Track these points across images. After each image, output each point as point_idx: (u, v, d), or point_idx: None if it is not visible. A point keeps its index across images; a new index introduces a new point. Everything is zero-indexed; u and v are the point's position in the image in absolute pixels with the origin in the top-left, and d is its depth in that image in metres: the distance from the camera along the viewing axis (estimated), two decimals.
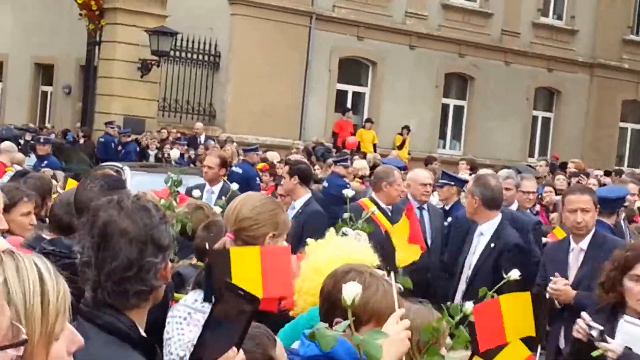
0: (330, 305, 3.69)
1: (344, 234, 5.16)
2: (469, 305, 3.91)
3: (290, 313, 4.27)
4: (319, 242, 4.65)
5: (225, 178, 13.74)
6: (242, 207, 4.54)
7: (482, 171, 11.66)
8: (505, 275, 4.34)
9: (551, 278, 7.45)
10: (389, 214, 9.39)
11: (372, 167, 18.29)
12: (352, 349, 3.40)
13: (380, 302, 3.62)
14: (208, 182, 10.93)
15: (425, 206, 10.26)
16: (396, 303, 3.46)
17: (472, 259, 8.44)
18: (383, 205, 9.46)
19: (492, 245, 8.30)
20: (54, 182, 10.00)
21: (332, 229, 5.14)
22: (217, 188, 10.84)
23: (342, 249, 4.42)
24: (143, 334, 3.08)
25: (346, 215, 6.53)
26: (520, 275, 4.24)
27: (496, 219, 8.41)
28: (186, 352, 4.00)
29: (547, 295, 7.48)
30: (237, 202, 4.62)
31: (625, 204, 9.76)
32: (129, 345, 2.99)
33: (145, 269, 3.04)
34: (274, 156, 20.06)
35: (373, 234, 8.32)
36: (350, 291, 2.58)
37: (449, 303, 3.99)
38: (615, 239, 8.46)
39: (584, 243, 7.57)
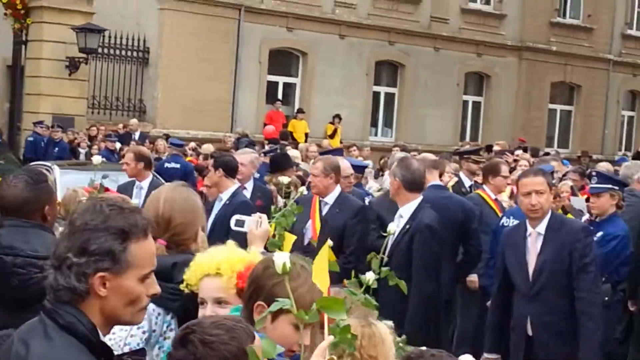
0: (256, 288, 3.71)
1: (237, 220, 5.07)
2: (369, 275, 3.97)
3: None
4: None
5: (158, 173, 13.74)
6: (170, 213, 4.49)
7: (402, 154, 11.74)
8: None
9: None
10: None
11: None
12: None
13: (305, 297, 3.57)
14: (133, 178, 11.04)
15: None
16: (326, 332, 3.45)
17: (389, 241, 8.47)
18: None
19: (407, 226, 8.25)
20: None
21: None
22: (145, 183, 10.90)
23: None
24: (103, 339, 3.05)
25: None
26: (376, 279, 4.18)
27: (415, 201, 8.33)
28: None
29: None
30: (161, 206, 4.53)
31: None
32: (87, 350, 2.97)
33: (66, 264, 3.01)
34: (208, 149, 20.11)
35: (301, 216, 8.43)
36: (280, 260, 2.55)
37: (346, 281, 4.05)
38: (573, 220, 8.46)
39: (541, 227, 7.43)
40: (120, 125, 25.72)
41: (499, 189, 10.73)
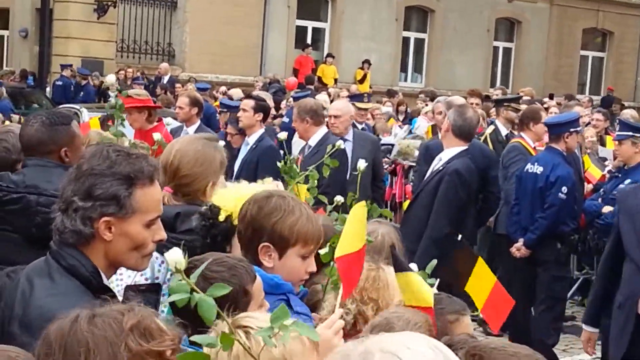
0: (256, 229, 3.69)
1: None
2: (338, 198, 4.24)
3: None
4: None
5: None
6: (179, 163, 4.50)
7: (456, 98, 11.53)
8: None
9: None
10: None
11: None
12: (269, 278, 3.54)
13: (306, 226, 3.65)
14: (183, 122, 10.96)
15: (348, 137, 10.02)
16: (338, 303, 3.50)
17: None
18: None
19: (441, 169, 8.37)
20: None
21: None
22: (192, 129, 10.77)
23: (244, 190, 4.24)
24: (106, 282, 3.08)
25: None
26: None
27: (459, 147, 8.43)
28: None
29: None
30: (172, 156, 4.56)
31: (577, 129, 9.79)
32: (88, 291, 2.99)
33: (72, 207, 3.04)
34: (236, 93, 20.03)
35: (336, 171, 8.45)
36: (173, 256, 2.50)
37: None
38: None
39: None
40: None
41: (539, 137, 10.52)
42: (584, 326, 7.03)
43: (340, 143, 6.50)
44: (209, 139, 4.76)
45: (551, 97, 23.23)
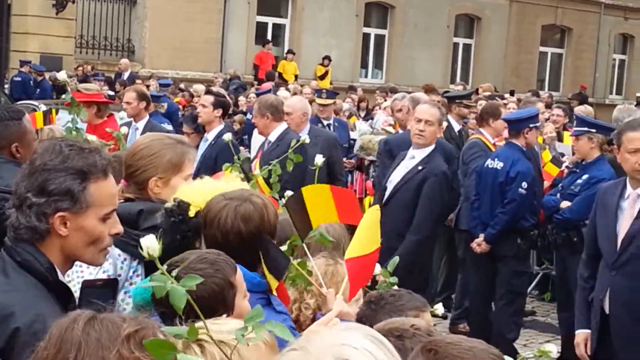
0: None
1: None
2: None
3: None
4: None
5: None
6: (127, 153, 4.58)
7: (416, 94, 11.67)
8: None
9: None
10: None
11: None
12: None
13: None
14: (131, 118, 10.87)
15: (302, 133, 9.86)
16: (337, 301, 3.54)
17: (395, 177, 8.55)
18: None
19: (420, 168, 8.42)
20: None
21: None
22: (141, 124, 10.69)
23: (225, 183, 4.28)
24: (61, 278, 3.08)
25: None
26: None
27: (431, 147, 8.55)
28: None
29: None
30: (131, 147, 4.66)
31: (537, 124, 9.86)
32: (44, 287, 2.99)
33: (26, 204, 3.02)
34: (199, 89, 19.97)
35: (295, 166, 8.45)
36: (148, 242, 2.51)
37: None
38: None
39: None
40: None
41: (498, 133, 10.60)
42: (577, 331, 6.91)
43: (305, 138, 6.51)
44: (178, 140, 4.72)
45: (512, 93, 23.32)
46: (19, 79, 23.35)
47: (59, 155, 3.04)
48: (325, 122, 12.45)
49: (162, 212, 4.02)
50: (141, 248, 2.28)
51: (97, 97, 9.90)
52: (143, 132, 9.88)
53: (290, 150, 5.37)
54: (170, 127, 11.95)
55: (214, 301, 3.11)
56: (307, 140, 6.31)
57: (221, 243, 3.67)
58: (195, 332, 2.25)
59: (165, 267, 2.92)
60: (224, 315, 3.11)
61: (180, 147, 4.50)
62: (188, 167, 4.46)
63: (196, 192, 4.01)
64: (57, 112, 7.39)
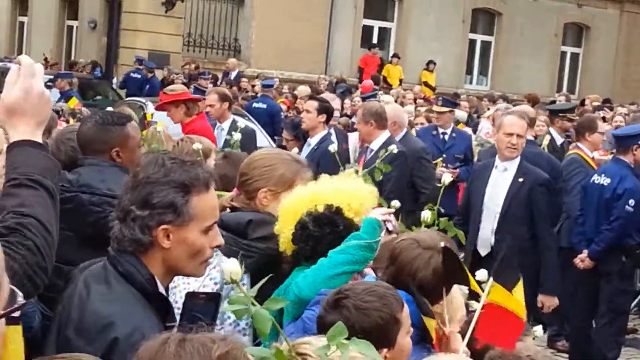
0: None
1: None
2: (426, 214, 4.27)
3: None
4: (332, 178, 4.61)
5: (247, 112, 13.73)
6: (244, 162, 4.60)
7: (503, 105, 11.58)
8: None
9: None
10: None
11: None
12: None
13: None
14: (216, 119, 10.92)
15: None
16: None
17: (496, 194, 8.37)
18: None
19: (521, 180, 8.24)
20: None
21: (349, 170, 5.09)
22: (226, 125, 10.78)
23: (346, 183, 4.36)
24: (161, 290, 3.09)
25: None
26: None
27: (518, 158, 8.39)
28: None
29: None
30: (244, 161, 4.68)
31: None
32: (143, 298, 3.02)
33: (130, 216, 3.05)
34: (304, 91, 19.98)
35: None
36: (229, 266, 2.48)
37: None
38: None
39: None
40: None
41: (596, 146, 10.41)
42: None
43: (393, 147, 6.44)
44: (296, 159, 4.72)
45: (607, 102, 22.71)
46: (137, 75, 23.66)
47: (161, 169, 3.05)
48: (440, 131, 12.15)
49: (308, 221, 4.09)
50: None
51: (183, 97, 9.96)
52: (229, 132, 9.98)
53: (379, 160, 5.35)
54: (253, 126, 12.00)
55: (376, 334, 3.11)
56: (395, 150, 6.25)
57: (402, 282, 3.75)
58: (282, 356, 2.22)
59: (334, 295, 3.00)
60: (384, 350, 3.21)
61: (295, 165, 4.51)
62: (300, 186, 4.48)
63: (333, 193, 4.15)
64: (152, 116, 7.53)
